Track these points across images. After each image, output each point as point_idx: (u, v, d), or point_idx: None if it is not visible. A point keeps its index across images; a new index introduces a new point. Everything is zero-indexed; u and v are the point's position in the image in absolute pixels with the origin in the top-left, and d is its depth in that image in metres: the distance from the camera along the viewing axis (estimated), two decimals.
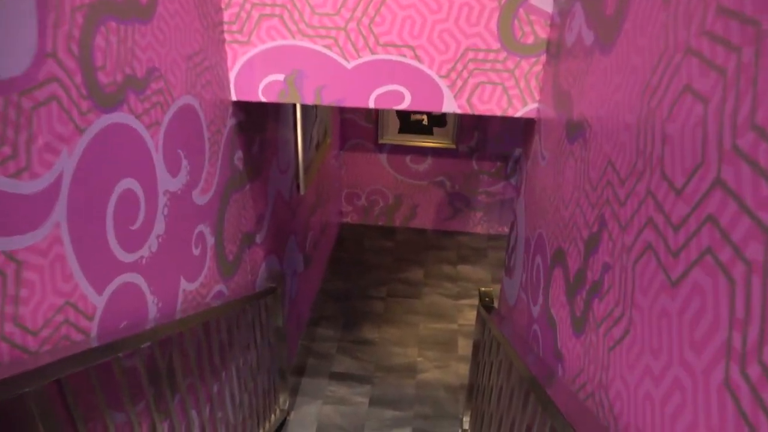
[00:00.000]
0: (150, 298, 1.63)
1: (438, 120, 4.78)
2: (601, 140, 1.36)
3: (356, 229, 5.29)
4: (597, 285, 1.33)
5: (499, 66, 2.08)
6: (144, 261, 1.57)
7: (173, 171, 1.72)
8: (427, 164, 4.99)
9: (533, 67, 2.08)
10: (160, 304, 1.70)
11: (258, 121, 2.62)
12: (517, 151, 4.85)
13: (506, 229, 5.21)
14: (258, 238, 2.78)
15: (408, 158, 4.99)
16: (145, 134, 1.53)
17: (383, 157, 5.00)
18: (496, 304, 3.60)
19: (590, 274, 1.38)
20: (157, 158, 1.61)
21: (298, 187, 3.51)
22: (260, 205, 2.77)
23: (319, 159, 3.94)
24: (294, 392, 3.53)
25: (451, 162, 4.96)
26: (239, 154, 2.43)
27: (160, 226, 1.65)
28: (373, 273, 4.68)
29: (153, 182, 1.59)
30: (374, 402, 3.48)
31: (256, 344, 2.72)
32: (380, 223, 5.33)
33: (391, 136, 4.87)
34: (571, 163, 1.62)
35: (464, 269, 4.77)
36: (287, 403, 3.27)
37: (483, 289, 2.83)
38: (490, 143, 4.84)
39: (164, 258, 1.70)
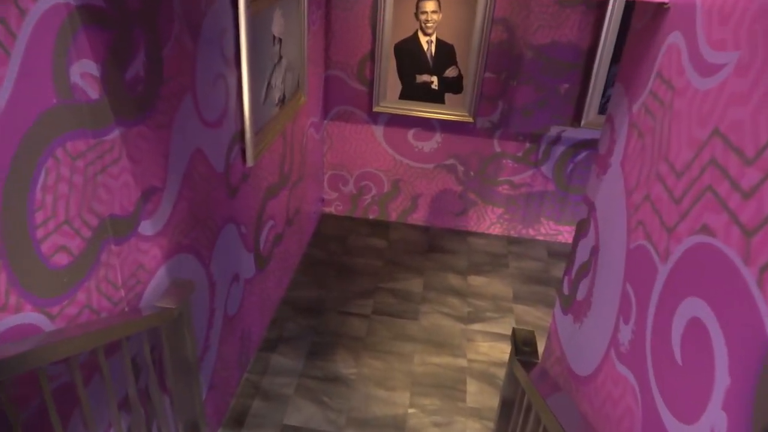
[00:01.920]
0: None
1: (452, 84, 3.64)
2: None
3: (340, 222, 4.16)
4: None
5: None
6: None
7: None
8: (434, 142, 3.86)
9: None
10: None
11: (143, 15, 1.49)
12: (554, 130, 3.70)
13: (532, 232, 4.07)
14: (146, 227, 1.66)
15: (411, 133, 3.85)
16: None
17: (379, 131, 3.87)
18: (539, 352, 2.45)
19: None
20: None
21: (243, 154, 2.38)
22: (150, 170, 1.64)
23: (284, 121, 2.82)
24: None
25: (466, 140, 3.82)
26: (85, 66, 1.30)
27: None
28: (357, 281, 3.55)
29: None
30: None
31: (144, 394, 1.60)
32: (371, 216, 4.20)
33: (390, 102, 3.74)
34: None
35: (477, 282, 3.63)
36: None
37: (520, 329, 1.70)
38: (517, 117, 3.70)
39: None
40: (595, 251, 1.33)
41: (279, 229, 3.10)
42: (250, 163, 2.40)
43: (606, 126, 1.42)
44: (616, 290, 1.17)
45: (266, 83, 2.53)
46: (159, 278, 1.77)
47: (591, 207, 1.46)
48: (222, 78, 2.08)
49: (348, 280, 3.54)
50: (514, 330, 1.67)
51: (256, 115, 2.42)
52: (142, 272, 1.67)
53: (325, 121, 3.88)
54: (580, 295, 1.39)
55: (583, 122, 3.60)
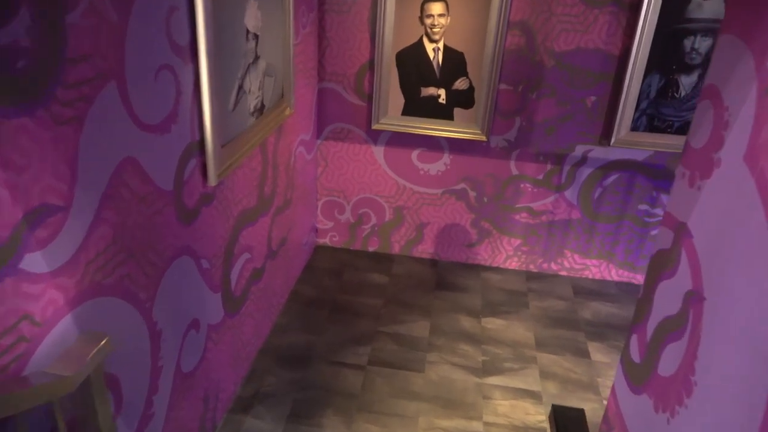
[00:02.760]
0: None
1: (462, 97, 3.19)
2: None
3: (336, 254, 3.67)
4: None
5: None
6: None
7: None
8: (442, 164, 3.39)
9: None
10: None
11: None
12: (580, 149, 3.23)
13: (554, 267, 3.56)
14: (35, 261, 1.18)
15: (415, 154, 3.39)
16: None
17: (379, 151, 3.41)
18: None
19: None
20: None
21: (203, 170, 1.92)
22: (43, 182, 1.17)
23: (263, 134, 2.36)
24: None
25: (479, 162, 3.35)
26: None
27: None
28: (353, 323, 3.04)
29: None
30: None
31: None
32: (371, 248, 3.71)
33: (392, 119, 3.28)
34: None
35: (493, 325, 3.12)
36: None
37: (562, 407, 1.19)
38: (537, 135, 3.23)
39: None
40: (694, 301, 0.85)
41: (258, 262, 2.61)
42: (212, 182, 1.93)
43: (704, 106, 0.95)
44: (753, 369, 0.68)
45: (237, 86, 2.08)
46: (60, 333, 1.28)
47: (680, 231, 0.97)
48: (169, 70, 1.63)
49: (342, 323, 3.03)
50: (554, 409, 1.17)
51: (222, 124, 1.97)
52: (29, 325, 1.18)
53: (319, 141, 3.43)
54: (667, 368, 0.90)
55: (613, 140, 3.13)
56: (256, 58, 2.24)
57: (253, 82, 2.23)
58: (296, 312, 3.10)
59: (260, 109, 2.35)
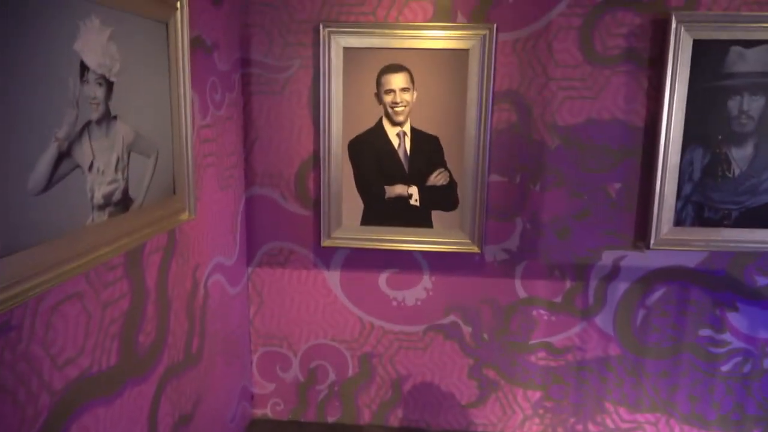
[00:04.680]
0: None
1: (441, 196, 2.35)
2: None
3: (281, 431, 2.56)
4: None
5: None
6: None
7: None
8: (422, 289, 2.45)
9: None
10: None
11: None
12: (608, 257, 2.34)
13: (593, 428, 2.50)
14: None
15: (384, 277, 2.46)
16: None
17: (334, 278, 2.47)
18: None
19: None
20: None
21: None
22: None
23: (127, 243, 1.43)
24: None
25: (472, 283, 2.42)
26: None
27: None
28: None
29: None
30: None
31: None
32: (330, 419, 2.61)
33: (349, 231, 2.39)
34: None
35: None
36: None
37: None
38: (548, 240, 2.36)
39: None
40: None
41: None
42: None
43: None
44: None
45: (56, 149, 1.18)
46: None
47: None
48: None
49: None
50: None
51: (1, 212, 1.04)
52: None
53: (250, 268, 2.49)
54: None
55: (652, 241, 2.27)
56: (107, 116, 1.37)
57: (99, 155, 1.34)
58: None
59: (120, 203, 1.44)
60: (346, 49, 2.27)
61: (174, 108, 1.71)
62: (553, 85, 2.25)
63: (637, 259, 2.34)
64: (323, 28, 2.24)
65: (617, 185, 2.30)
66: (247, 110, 2.36)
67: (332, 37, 2.26)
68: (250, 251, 2.47)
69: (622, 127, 2.25)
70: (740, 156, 2.25)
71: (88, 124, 1.29)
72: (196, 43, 1.89)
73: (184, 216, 1.79)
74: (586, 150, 2.28)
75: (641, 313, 2.39)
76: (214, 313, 2.12)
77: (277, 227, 2.44)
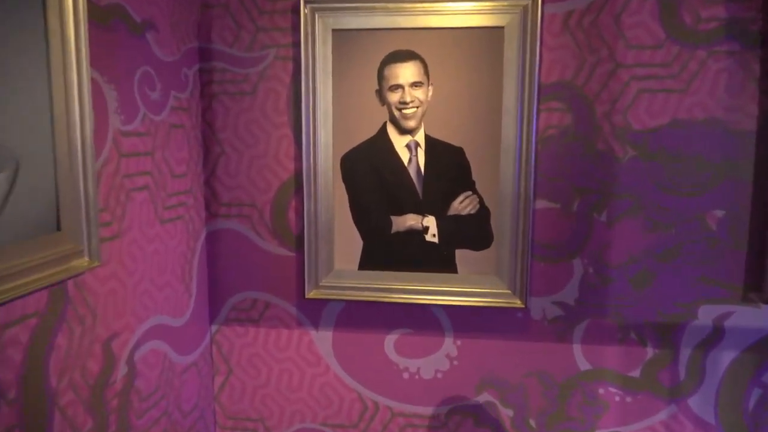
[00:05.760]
0: None
1: (469, 228, 1.71)
2: None
3: None
4: None
5: None
6: None
7: None
8: (443, 356, 1.79)
9: None
10: None
11: None
12: (706, 313, 1.66)
13: None
14: None
15: (391, 340, 1.81)
16: None
17: (324, 340, 1.83)
18: None
19: None
20: None
21: None
22: None
23: None
24: None
25: (513, 349, 1.76)
26: None
27: None
28: None
29: None
30: None
31: None
32: None
33: (343, 276, 1.76)
34: None
35: None
36: None
37: None
38: (619, 291, 1.68)
39: None
40: None
41: None
42: None
43: None
44: None
45: None
46: None
47: None
48: None
49: None
50: None
51: None
52: None
53: (213, 326, 1.87)
54: None
55: None
56: None
57: None
58: None
59: None
60: (337, 33, 1.68)
61: (58, 102, 1.13)
62: (623, 73, 1.61)
63: (749, 318, 1.65)
64: (305, 5, 1.66)
65: (719, 213, 1.62)
66: (208, 117, 1.77)
67: (317, 16, 1.67)
68: (214, 305, 1.86)
69: (724, 131, 1.59)
70: None
71: None
72: (110, 15, 1.31)
73: (81, 263, 1.19)
74: (672, 164, 1.62)
75: (755, 393, 1.68)
76: (146, 399, 1.50)
77: (248, 273, 1.83)
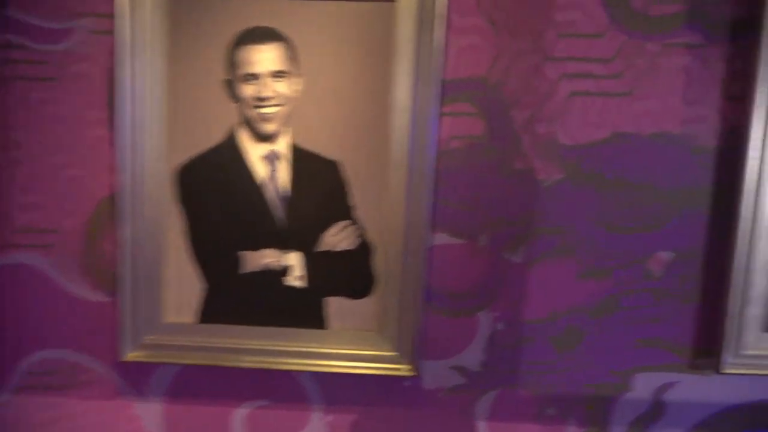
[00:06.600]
0: None
1: (344, 268, 1.28)
2: None
3: None
4: None
5: None
6: None
7: None
8: None
9: None
10: None
11: None
12: (645, 384, 1.29)
13: None
14: None
15: (240, 415, 1.37)
16: None
17: (150, 413, 1.38)
18: None
19: None
20: None
21: None
22: None
23: None
24: None
25: (402, 427, 1.35)
26: None
27: None
28: None
29: None
30: None
31: None
32: None
33: (176, 332, 1.31)
34: None
35: None
36: None
37: None
38: (537, 354, 1.30)
39: None
40: None
41: None
42: None
43: None
44: None
45: None
46: None
47: None
48: None
49: None
50: None
51: None
52: None
53: (2, 397, 1.39)
54: None
55: (728, 359, 1.24)
56: None
57: None
58: None
59: None
60: None
61: None
62: (552, 69, 1.21)
63: (696, 390, 1.30)
64: None
65: (667, 256, 1.25)
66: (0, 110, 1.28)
67: None
68: (1, 368, 1.37)
69: (680, 149, 1.22)
70: None
71: None
72: None
73: None
74: (611, 190, 1.24)
75: None
76: None
77: (49, 325, 1.35)
